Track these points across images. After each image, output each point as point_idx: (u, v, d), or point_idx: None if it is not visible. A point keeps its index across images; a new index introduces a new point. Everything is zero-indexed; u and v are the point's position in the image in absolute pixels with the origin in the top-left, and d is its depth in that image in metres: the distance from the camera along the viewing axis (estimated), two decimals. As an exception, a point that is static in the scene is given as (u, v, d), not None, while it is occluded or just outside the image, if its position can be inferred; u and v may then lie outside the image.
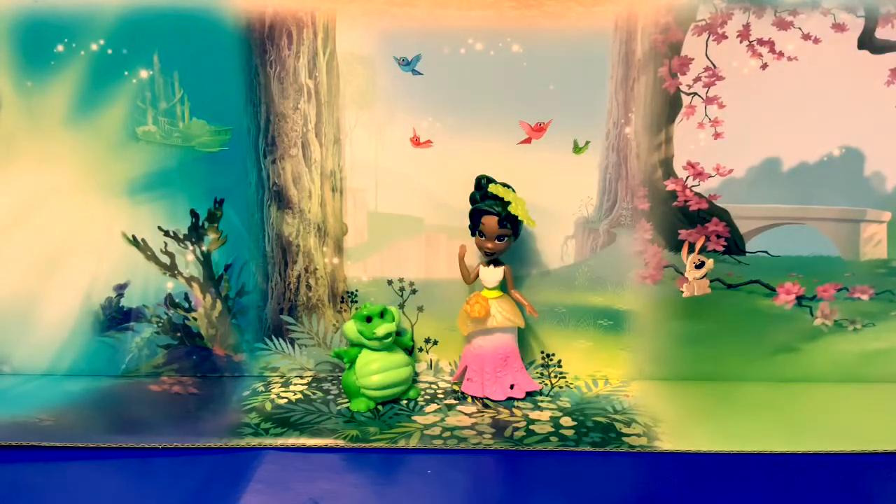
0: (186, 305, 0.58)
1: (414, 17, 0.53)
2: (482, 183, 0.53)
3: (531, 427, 0.50)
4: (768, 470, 0.46)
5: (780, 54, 0.53)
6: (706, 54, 0.53)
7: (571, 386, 0.57)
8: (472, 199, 0.53)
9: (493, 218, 0.52)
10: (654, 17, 0.52)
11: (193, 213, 0.56)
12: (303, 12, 0.53)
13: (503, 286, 0.54)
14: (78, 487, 0.44)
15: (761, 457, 0.47)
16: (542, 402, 0.54)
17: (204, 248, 0.57)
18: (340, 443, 0.48)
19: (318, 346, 0.58)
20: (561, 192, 0.55)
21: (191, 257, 0.57)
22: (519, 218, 0.52)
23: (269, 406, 0.53)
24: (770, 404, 0.54)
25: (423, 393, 0.55)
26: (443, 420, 0.51)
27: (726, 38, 0.52)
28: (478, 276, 0.55)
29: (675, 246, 0.56)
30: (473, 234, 0.54)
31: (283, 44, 0.53)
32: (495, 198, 0.52)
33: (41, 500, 0.43)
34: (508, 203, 0.51)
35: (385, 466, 0.47)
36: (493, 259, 0.54)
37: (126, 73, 0.53)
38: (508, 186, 0.52)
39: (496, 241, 0.53)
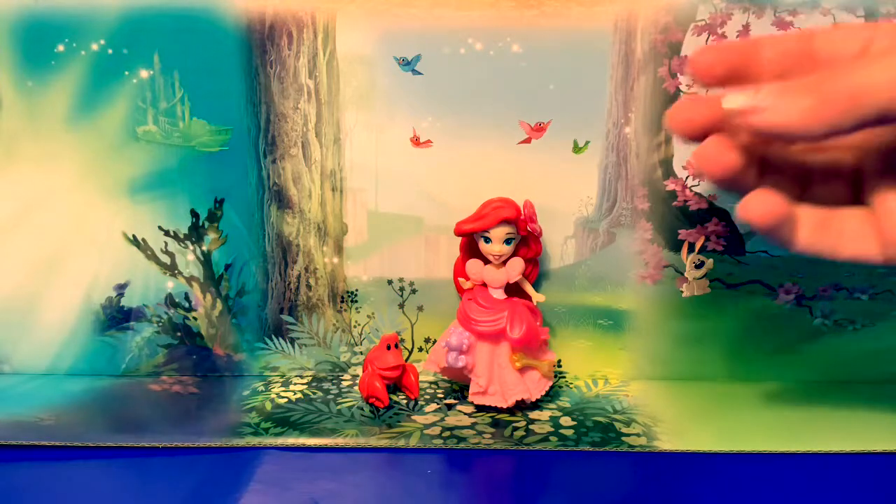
0: (186, 305, 0.58)
1: (414, 17, 0.53)
2: None
3: (531, 427, 0.51)
4: (768, 470, 0.46)
5: (780, 54, 0.52)
6: (706, 54, 0.53)
7: (571, 386, 0.57)
8: None
9: None
10: (654, 17, 0.52)
11: (194, 213, 0.56)
12: (303, 12, 0.53)
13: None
14: (78, 487, 0.44)
15: (761, 457, 0.47)
16: (541, 401, 0.54)
17: (204, 248, 0.57)
18: (340, 443, 0.48)
19: (318, 345, 0.58)
20: (561, 192, 0.55)
21: (191, 257, 0.57)
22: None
23: (269, 406, 0.53)
24: (770, 404, 0.54)
25: (423, 393, 0.55)
26: (443, 420, 0.51)
27: (726, 38, 0.52)
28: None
29: (675, 246, 0.56)
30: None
31: (283, 44, 0.53)
32: None
33: (41, 500, 0.43)
34: None
35: (385, 466, 0.47)
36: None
37: (126, 72, 0.53)
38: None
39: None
